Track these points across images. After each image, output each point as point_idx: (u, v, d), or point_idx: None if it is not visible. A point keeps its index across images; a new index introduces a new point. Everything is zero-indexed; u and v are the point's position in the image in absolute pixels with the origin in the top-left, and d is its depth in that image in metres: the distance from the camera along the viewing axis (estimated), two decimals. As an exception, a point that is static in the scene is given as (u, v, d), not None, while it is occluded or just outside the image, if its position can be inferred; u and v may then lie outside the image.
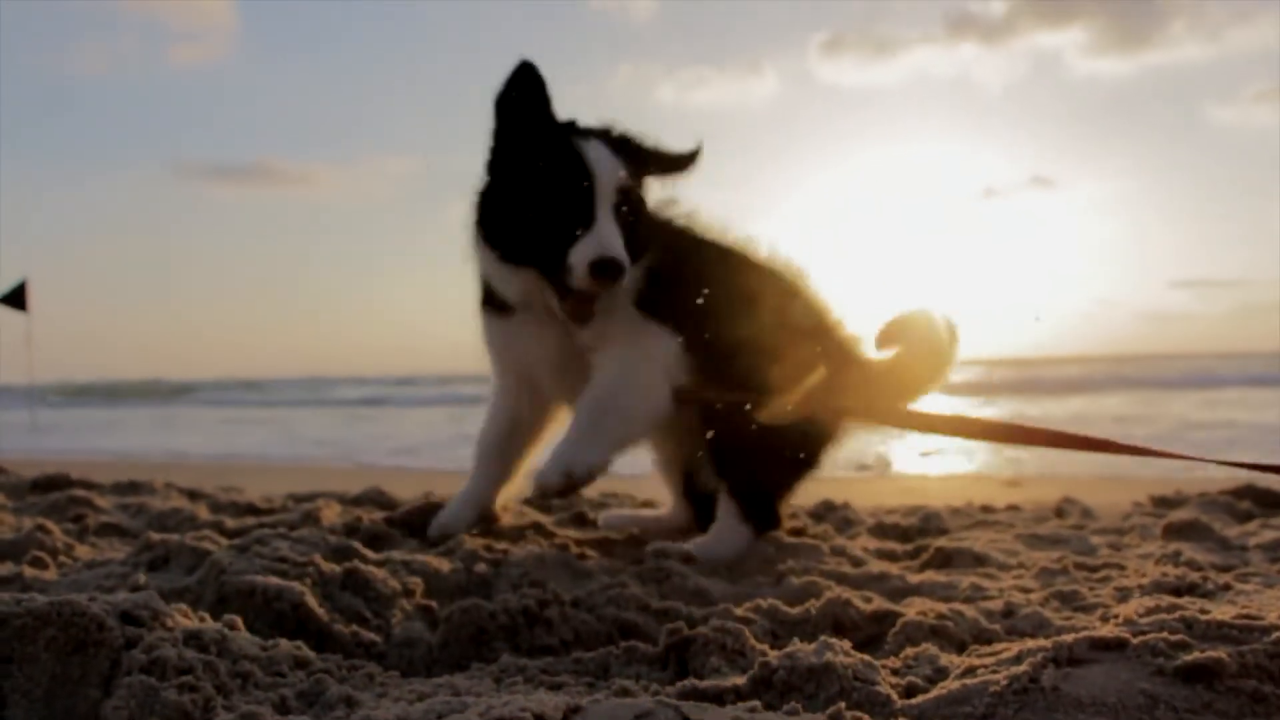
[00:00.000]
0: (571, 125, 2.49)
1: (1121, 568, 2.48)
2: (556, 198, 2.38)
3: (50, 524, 2.77)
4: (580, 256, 2.32)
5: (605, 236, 2.32)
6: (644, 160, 2.54)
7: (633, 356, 2.51)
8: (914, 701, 1.36)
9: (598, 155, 2.40)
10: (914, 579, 2.33)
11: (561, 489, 2.42)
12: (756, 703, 1.36)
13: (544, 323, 2.56)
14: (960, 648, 1.75)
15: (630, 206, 2.43)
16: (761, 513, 2.68)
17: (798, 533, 2.95)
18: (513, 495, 2.98)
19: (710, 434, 2.59)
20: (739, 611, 1.93)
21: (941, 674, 1.49)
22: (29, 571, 2.24)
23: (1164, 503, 3.76)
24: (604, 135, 2.50)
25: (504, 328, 2.66)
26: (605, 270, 2.30)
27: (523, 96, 2.44)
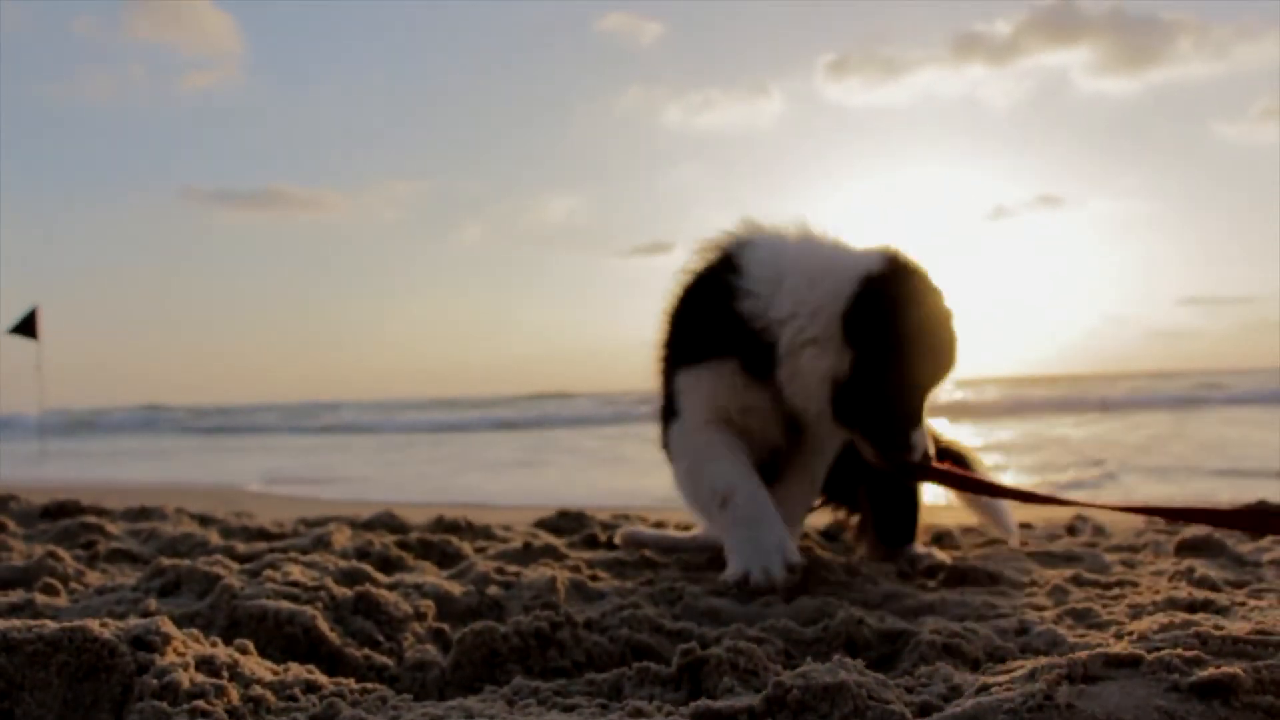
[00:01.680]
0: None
1: (1135, 585, 2.47)
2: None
3: (61, 550, 2.78)
4: (921, 447, 2.51)
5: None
6: None
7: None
8: (929, 719, 1.35)
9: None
10: (927, 597, 2.32)
11: None
12: (770, 722, 1.36)
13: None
14: (974, 666, 1.74)
15: None
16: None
17: (810, 553, 2.94)
18: None
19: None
20: (752, 631, 1.92)
21: (956, 692, 1.48)
22: (40, 598, 2.24)
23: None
24: None
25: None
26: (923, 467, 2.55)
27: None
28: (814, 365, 2.40)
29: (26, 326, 13.98)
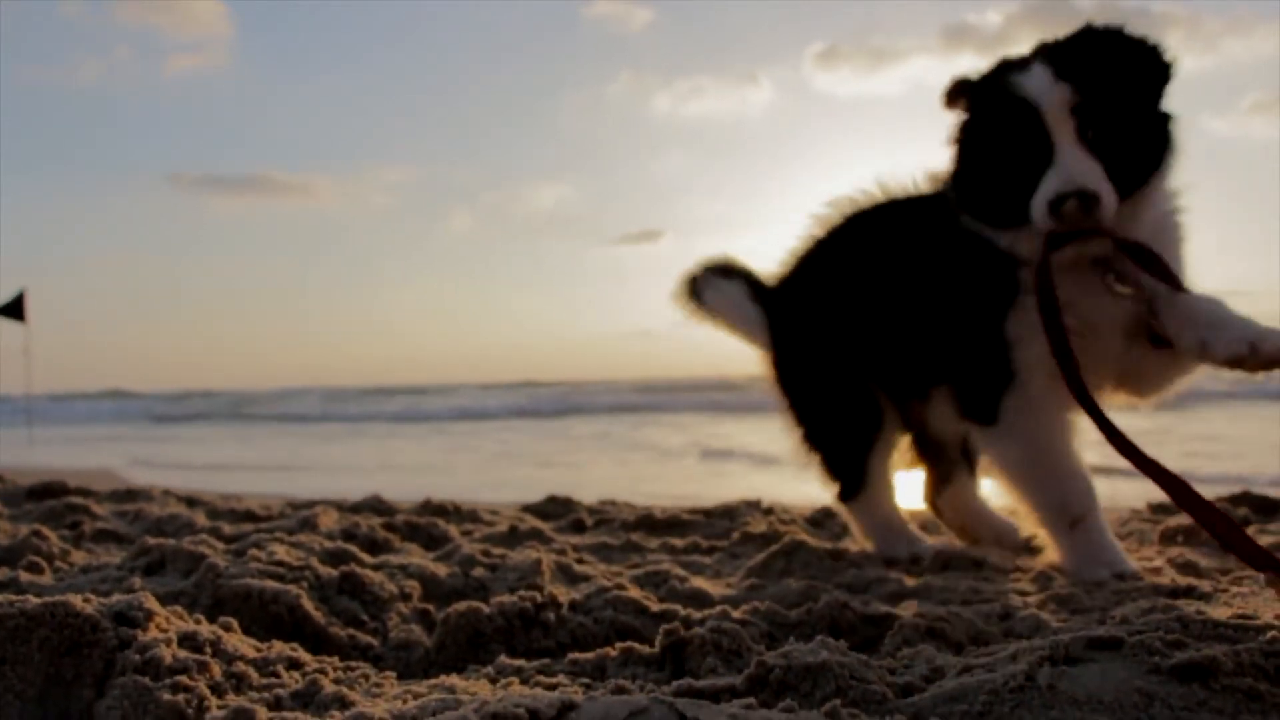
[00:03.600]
0: (1006, 64, 2.24)
1: (1119, 572, 2.47)
2: (1007, 149, 2.18)
3: (47, 530, 2.77)
4: (1038, 201, 2.10)
5: (1064, 168, 2.09)
6: (1107, 65, 2.18)
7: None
8: (910, 700, 1.36)
9: (1036, 83, 2.15)
10: (912, 582, 2.32)
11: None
12: (752, 700, 1.36)
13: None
14: (957, 649, 1.74)
15: (1102, 122, 2.14)
16: None
17: (796, 539, 2.94)
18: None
19: None
20: (736, 614, 1.92)
21: (938, 673, 1.48)
22: (24, 576, 2.24)
23: (1162, 509, 3.75)
24: (1045, 56, 2.20)
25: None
26: (1063, 204, 2.07)
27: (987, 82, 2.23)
28: None
29: (14, 309, 13.91)
